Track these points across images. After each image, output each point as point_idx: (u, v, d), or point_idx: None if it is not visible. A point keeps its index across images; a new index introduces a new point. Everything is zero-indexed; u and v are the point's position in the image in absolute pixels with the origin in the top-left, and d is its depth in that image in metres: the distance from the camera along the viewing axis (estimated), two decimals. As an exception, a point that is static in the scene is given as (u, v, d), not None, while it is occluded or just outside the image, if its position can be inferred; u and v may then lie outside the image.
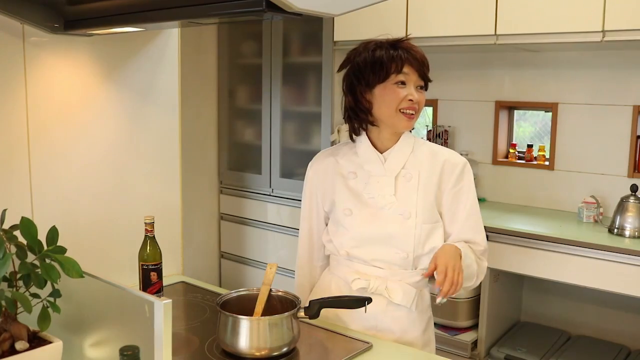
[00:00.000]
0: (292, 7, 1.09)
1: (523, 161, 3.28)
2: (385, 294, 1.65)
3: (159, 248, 1.71)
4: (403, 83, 1.61)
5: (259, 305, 1.53)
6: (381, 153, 1.68)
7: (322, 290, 1.77)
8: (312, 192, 1.79)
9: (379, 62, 1.61)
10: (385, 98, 1.62)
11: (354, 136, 1.73)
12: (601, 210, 2.85)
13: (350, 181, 1.71)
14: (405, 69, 1.60)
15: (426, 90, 1.67)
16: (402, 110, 1.61)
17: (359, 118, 1.68)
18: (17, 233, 1.20)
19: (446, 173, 1.67)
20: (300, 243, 1.84)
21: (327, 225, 1.78)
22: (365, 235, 1.66)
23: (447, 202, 1.67)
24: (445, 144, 3.41)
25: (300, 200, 1.84)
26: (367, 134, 1.70)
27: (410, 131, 1.71)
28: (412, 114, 1.62)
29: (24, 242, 1.20)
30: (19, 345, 1.17)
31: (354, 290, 1.66)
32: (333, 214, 1.74)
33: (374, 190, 1.67)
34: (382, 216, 1.66)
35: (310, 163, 1.82)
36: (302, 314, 1.50)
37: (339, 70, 1.72)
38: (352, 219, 1.68)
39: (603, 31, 2.51)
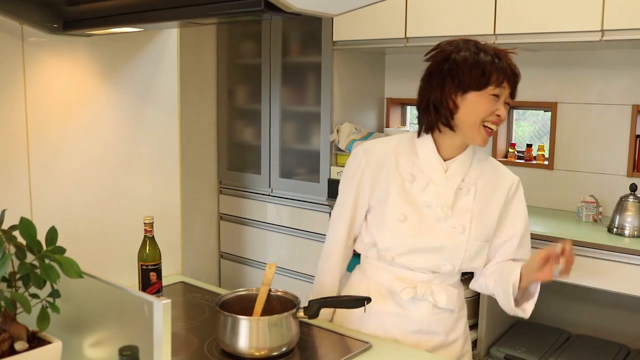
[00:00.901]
0: (290, 7, 1.09)
1: (522, 161, 3.27)
2: (430, 299, 1.63)
3: (159, 248, 1.71)
4: (497, 96, 1.55)
5: (259, 305, 1.53)
6: (444, 160, 1.63)
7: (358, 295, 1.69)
8: (361, 181, 1.66)
9: (482, 68, 1.52)
10: (476, 106, 1.54)
11: (422, 133, 1.64)
12: (600, 209, 2.84)
13: (407, 184, 1.62)
14: (504, 84, 1.55)
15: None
16: (485, 124, 1.56)
17: (438, 115, 1.58)
18: (16, 233, 1.20)
19: (502, 191, 1.65)
20: (337, 231, 1.72)
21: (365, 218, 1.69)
22: (417, 244, 1.60)
23: (502, 216, 1.65)
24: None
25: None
26: (432, 136, 1.63)
27: None
28: (492, 131, 1.58)
29: (23, 242, 1.19)
30: (18, 345, 1.17)
31: (404, 300, 1.62)
32: (379, 213, 1.64)
33: (431, 198, 1.60)
34: (436, 227, 1.61)
35: (363, 149, 1.69)
36: (301, 314, 1.50)
37: (427, 57, 1.61)
38: (405, 226, 1.60)
39: (602, 30, 2.51)
